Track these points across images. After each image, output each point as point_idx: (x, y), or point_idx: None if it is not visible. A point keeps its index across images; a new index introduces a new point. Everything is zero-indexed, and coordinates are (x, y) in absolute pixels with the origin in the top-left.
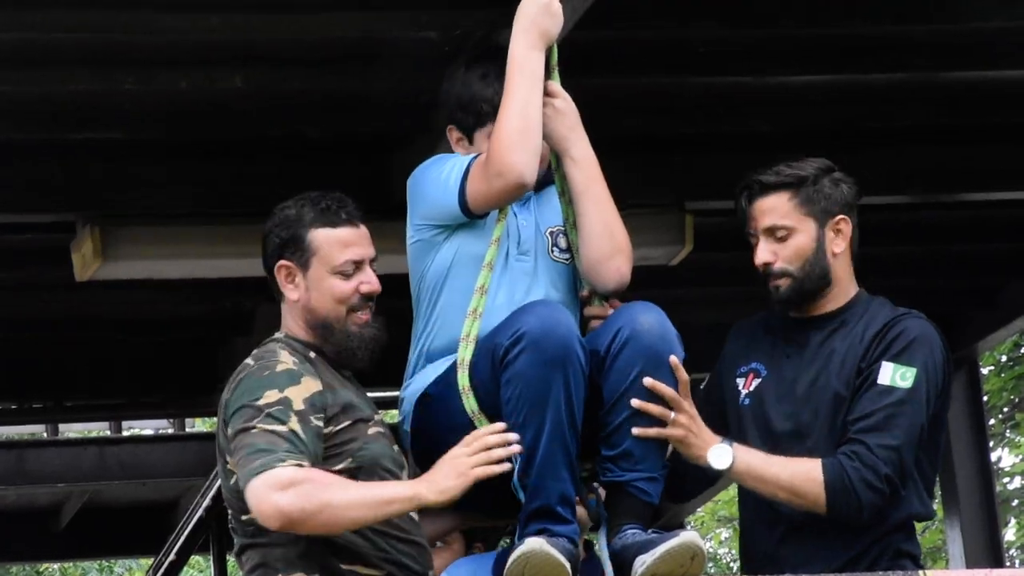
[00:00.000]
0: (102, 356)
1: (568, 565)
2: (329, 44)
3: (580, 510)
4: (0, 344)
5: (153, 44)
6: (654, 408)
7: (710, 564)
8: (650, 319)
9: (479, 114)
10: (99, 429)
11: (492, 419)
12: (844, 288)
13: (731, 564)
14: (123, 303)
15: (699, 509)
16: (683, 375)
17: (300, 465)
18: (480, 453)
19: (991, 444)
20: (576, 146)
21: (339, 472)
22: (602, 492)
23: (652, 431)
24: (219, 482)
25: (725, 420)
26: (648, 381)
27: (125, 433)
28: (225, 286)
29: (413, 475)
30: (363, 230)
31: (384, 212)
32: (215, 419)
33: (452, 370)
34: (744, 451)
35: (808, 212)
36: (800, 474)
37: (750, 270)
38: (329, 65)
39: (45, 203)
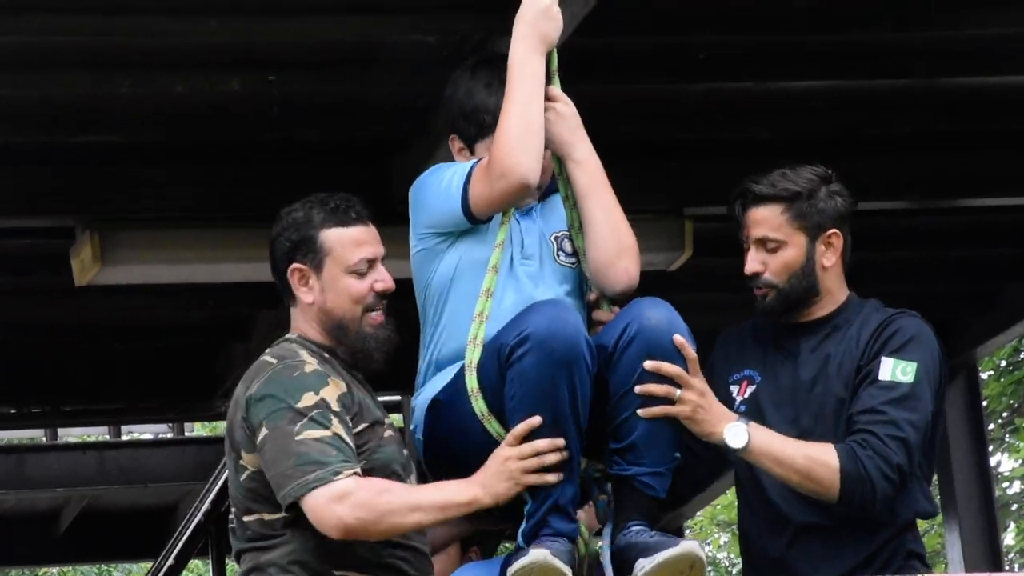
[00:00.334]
0: (101, 361)
1: (569, 572)
2: (328, 48)
3: (588, 512)
4: None
5: (152, 48)
6: (657, 388)
7: (709, 569)
8: (658, 313)
9: (481, 125)
10: (98, 434)
11: (502, 420)
12: (834, 296)
13: (730, 569)
14: (122, 308)
15: (698, 513)
16: (690, 353)
17: (356, 473)
18: (533, 459)
19: (990, 449)
20: (579, 149)
21: None
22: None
23: (657, 410)
24: (217, 487)
25: None
26: (650, 364)
27: (124, 438)
28: (224, 291)
29: (420, 482)
30: (372, 229)
31: (383, 216)
32: (214, 424)
33: (461, 375)
34: (759, 430)
35: (800, 227)
36: (815, 458)
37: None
38: (328, 69)
39: (44, 208)
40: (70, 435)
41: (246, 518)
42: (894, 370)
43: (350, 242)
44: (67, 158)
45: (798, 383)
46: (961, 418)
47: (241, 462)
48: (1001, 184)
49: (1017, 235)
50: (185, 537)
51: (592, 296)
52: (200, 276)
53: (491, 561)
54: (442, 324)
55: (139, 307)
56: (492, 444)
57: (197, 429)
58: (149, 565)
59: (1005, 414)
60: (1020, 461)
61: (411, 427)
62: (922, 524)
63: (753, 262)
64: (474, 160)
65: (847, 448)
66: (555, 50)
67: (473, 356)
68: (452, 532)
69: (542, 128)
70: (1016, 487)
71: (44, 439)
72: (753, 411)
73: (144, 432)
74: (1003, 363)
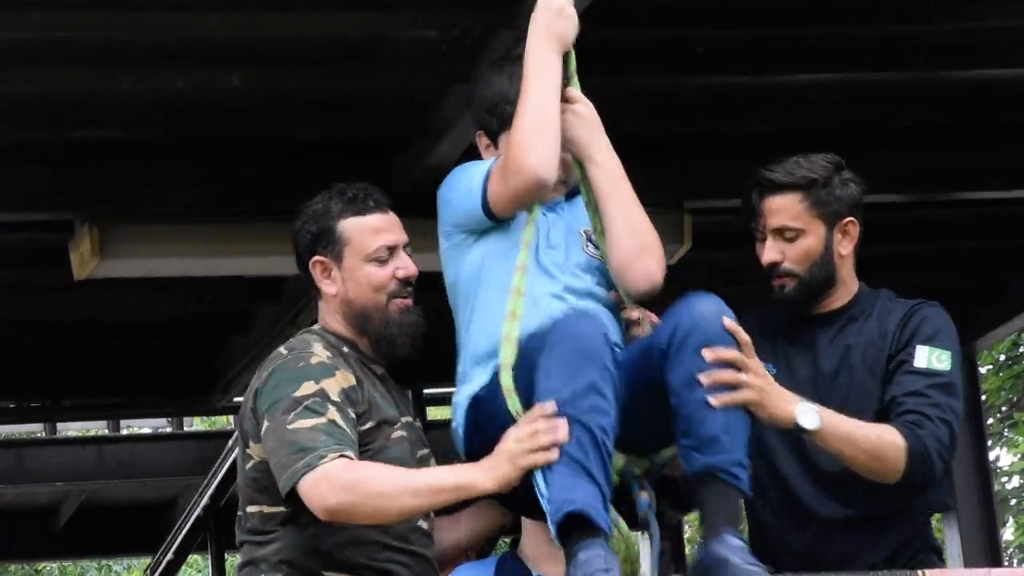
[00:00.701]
0: (101, 356)
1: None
2: (330, 43)
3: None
4: None
5: (154, 42)
6: (725, 375)
7: None
8: (709, 306)
9: (503, 117)
10: (97, 428)
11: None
12: (848, 286)
13: None
14: (122, 304)
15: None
16: (743, 336)
17: (343, 455)
18: (530, 440)
19: (989, 443)
20: (599, 151)
21: None
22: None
23: (727, 397)
24: (216, 482)
25: None
26: (709, 353)
27: (123, 432)
28: (224, 285)
29: None
30: (393, 216)
31: None
32: (213, 418)
33: (498, 373)
34: (827, 411)
35: (818, 214)
36: (883, 437)
37: (749, 269)
38: (330, 64)
39: (43, 202)
40: (69, 430)
41: (249, 508)
42: (930, 357)
43: (368, 230)
44: (66, 153)
45: (819, 374)
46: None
47: (248, 451)
48: (1003, 178)
49: (1019, 228)
50: (184, 532)
51: (614, 296)
52: (199, 270)
53: (486, 560)
54: (474, 319)
55: (138, 302)
56: None
57: (196, 424)
58: (148, 560)
59: (1004, 408)
60: (1019, 455)
61: (453, 424)
62: None
63: (771, 252)
64: (494, 158)
65: (906, 428)
66: (572, 51)
67: (508, 355)
68: (473, 533)
69: (557, 126)
70: (1015, 482)
71: (43, 434)
72: None
73: (143, 427)
74: (1003, 357)
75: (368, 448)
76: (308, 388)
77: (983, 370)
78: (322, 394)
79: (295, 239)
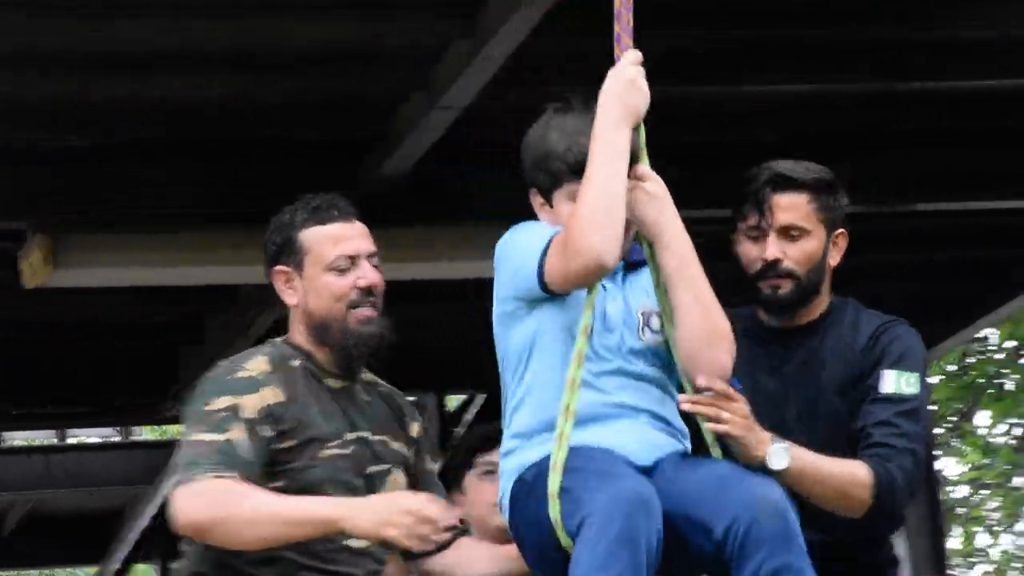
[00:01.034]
0: (49, 363)
1: None
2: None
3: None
4: None
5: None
6: (709, 411)
7: None
8: (770, 500)
9: (554, 174)
10: (44, 438)
11: (572, 534)
12: (823, 299)
13: None
14: (72, 311)
15: None
16: (720, 386)
17: (220, 476)
18: (413, 522)
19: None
20: (668, 231)
21: (273, 491)
22: None
23: (710, 425)
24: (163, 492)
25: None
26: (701, 381)
27: (70, 441)
28: (176, 294)
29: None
30: (358, 225)
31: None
32: (163, 427)
33: (546, 461)
34: (797, 449)
35: (822, 219)
36: (847, 475)
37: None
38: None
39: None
40: (15, 439)
41: None
42: (898, 381)
43: (328, 239)
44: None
45: (792, 391)
46: None
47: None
48: (1010, 183)
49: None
50: (131, 542)
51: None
52: (152, 279)
53: None
54: (522, 392)
55: (89, 308)
56: (559, 548)
57: (146, 433)
58: (94, 570)
59: (954, 419)
60: (967, 466)
61: (499, 494)
62: None
63: (774, 249)
64: (555, 229)
65: (873, 462)
66: (643, 125)
67: (559, 455)
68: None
69: (623, 207)
70: (961, 491)
71: None
72: None
73: (90, 436)
74: (951, 368)
75: (288, 466)
76: (221, 403)
77: (933, 380)
78: (232, 410)
79: (264, 249)
